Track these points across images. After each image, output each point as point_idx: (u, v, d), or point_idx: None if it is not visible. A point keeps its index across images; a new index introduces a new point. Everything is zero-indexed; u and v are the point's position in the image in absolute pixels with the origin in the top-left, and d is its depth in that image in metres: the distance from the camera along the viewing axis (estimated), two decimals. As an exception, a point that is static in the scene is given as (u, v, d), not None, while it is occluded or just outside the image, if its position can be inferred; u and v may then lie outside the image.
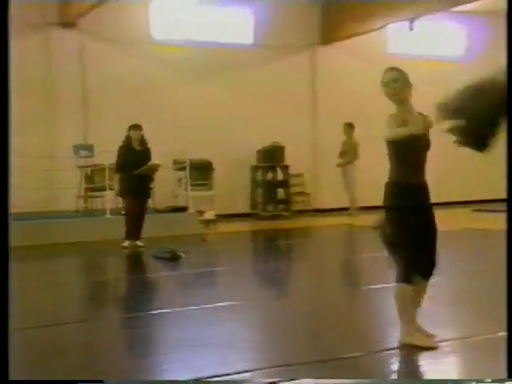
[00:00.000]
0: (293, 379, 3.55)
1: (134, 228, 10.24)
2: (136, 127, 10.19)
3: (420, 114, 4.71)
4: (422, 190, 4.74)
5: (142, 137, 10.25)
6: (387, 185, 4.73)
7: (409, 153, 4.61)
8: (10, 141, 1.51)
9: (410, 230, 4.61)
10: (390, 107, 4.63)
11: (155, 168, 10.43)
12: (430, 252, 4.73)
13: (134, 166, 9.95)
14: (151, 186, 11.30)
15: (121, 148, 10.25)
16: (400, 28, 14.10)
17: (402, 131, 4.55)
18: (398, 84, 4.67)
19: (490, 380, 3.37)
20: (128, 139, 10.21)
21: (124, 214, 10.51)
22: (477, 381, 3.38)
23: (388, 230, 4.74)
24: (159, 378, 3.29)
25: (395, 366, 4.57)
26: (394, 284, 4.86)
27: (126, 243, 10.22)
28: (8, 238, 1.54)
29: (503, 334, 5.14)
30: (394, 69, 4.78)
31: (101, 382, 3.37)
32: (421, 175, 4.71)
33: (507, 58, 2.10)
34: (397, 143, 4.61)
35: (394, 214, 4.70)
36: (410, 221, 4.60)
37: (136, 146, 10.15)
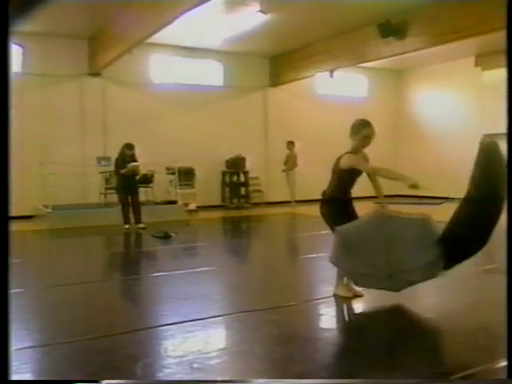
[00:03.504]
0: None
1: (128, 215, 10.05)
2: (129, 146, 9.92)
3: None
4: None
5: (133, 153, 9.95)
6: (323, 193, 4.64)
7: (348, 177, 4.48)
8: (10, 141, 1.38)
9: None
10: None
11: (135, 169, 9.95)
12: None
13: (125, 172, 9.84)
14: (151, 185, 11.14)
15: (117, 159, 10.03)
16: (324, 76, 14.13)
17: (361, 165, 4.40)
18: (373, 138, 4.42)
19: (489, 380, 2.87)
20: (122, 153, 9.92)
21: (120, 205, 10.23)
22: (477, 380, 2.86)
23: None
24: (158, 379, 3.05)
25: (322, 311, 4.57)
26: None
27: (127, 226, 10.00)
28: (8, 237, 1.37)
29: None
30: (371, 124, 4.41)
31: (97, 381, 2.74)
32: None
33: (507, 61, 1.91)
34: (344, 171, 4.43)
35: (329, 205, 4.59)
36: (339, 211, 4.53)
37: (127, 158, 9.86)
